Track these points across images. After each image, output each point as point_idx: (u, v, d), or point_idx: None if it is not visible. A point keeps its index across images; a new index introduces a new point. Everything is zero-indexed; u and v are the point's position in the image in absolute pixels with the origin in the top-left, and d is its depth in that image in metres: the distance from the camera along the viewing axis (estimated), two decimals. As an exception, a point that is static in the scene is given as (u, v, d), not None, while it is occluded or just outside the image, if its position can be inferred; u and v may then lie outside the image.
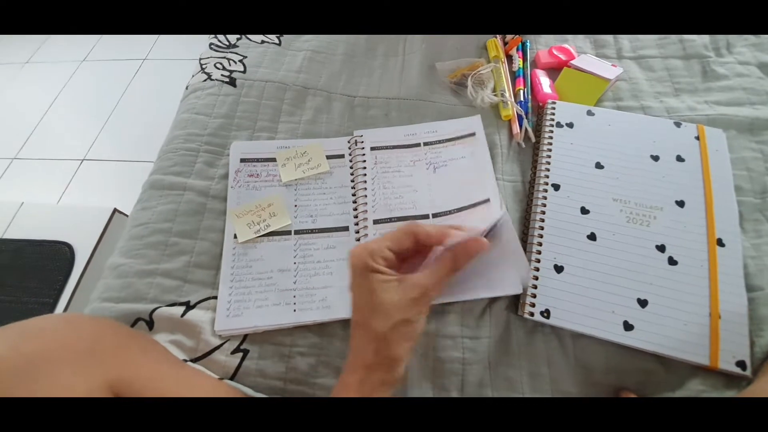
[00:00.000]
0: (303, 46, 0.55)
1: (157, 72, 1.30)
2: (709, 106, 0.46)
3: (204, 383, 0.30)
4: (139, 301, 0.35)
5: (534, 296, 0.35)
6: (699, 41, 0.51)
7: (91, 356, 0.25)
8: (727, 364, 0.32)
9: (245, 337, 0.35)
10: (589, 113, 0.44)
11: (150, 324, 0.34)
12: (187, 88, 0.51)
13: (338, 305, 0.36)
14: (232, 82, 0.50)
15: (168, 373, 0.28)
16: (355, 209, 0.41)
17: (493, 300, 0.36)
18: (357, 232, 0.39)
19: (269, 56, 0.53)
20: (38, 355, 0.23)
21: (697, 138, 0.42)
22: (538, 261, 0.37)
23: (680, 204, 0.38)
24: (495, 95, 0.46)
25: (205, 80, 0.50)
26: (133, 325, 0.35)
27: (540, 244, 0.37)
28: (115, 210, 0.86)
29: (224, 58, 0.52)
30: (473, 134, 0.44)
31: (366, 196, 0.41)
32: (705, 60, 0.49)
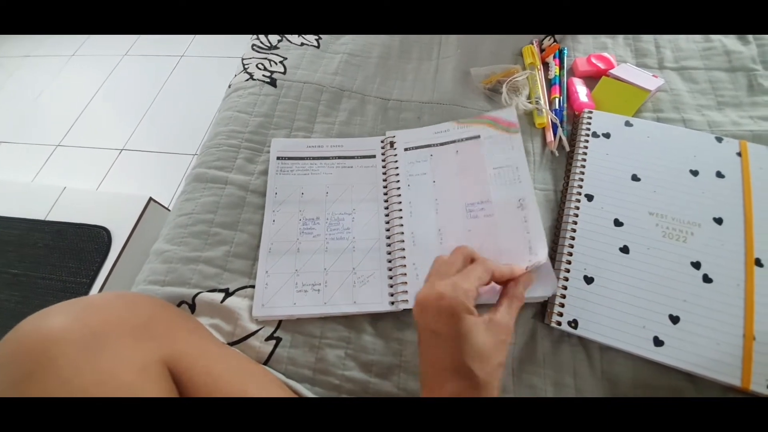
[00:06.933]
0: (339, 49, 0.56)
1: (194, 69, 1.36)
2: (754, 122, 0.44)
3: (246, 364, 0.32)
4: (183, 286, 0.38)
5: (562, 305, 0.35)
6: (746, 53, 0.49)
7: (145, 331, 0.27)
8: (759, 387, 0.31)
9: (279, 324, 0.37)
10: (627, 124, 0.43)
11: (192, 307, 0.37)
12: (229, 86, 0.53)
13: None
14: (272, 83, 0.52)
15: (214, 352, 0.30)
16: (387, 208, 0.42)
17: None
18: (388, 230, 0.41)
19: (307, 58, 0.55)
20: (100, 328, 0.25)
21: (739, 154, 0.41)
22: (568, 271, 0.37)
23: (718, 221, 0.38)
24: (530, 102, 0.46)
25: (247, 80, 0.52)
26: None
27: (570, 254, 0.37)
28: (150, 198, 0.90)
29: (265, 59, 0.54)
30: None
31: (400, 195, 0.42)
32: (752, 73, 0.48)
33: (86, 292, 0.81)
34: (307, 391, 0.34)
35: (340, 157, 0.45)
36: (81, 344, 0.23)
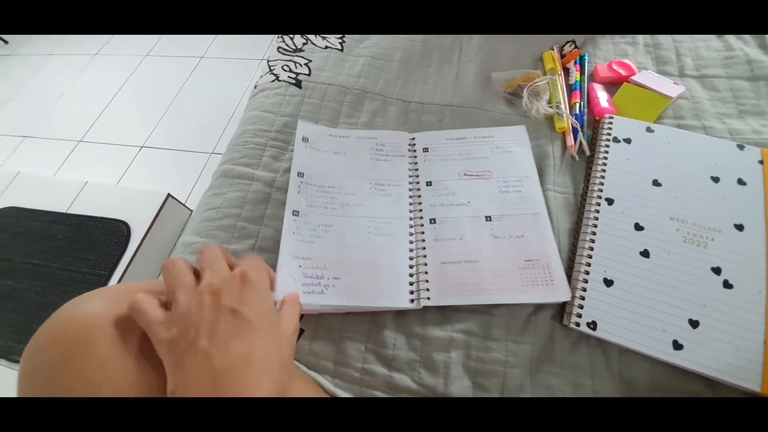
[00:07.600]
0: (363, 52, 0.57)
1: (213, 70, 1.39)
2: (776, 131, 0.44)
3: None
4: (211, 277, 0.39)
5: (581, 307, 0.36)
6: (768, 63, 0.49)
7: None
8: (780, 393, 0.31)
9: (301, 317, 0.38)
10: (649, 130, 0.44)
11: (220, 298, 0.38)
12: (255, 87, 0.55)
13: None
14: (297, 84, 0.53)
15: None
16: (411, 203, 0.43)
17: (538, 307, 0.37)
18: (411, 227, 0.41)
19: (331, 61, 0.56)
20: None
21: (761, 162, 0.41)
22: (587, 273, 0.37)
23: (739, 228, 0.38)
24: (550, 107, 0.47)
25: (273, 81, 0.54)
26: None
27: (590, 257, 0.38)
28: (168, 195, 0.92)
29: (291, 61, 0.56)
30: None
31: (420, 196, 0.43)
32: (774, 83, 0.48)
33: (105, 284, 0.83)
34: (327, 383, 0.34)
35: None
36: (117, 328, 0.24)
